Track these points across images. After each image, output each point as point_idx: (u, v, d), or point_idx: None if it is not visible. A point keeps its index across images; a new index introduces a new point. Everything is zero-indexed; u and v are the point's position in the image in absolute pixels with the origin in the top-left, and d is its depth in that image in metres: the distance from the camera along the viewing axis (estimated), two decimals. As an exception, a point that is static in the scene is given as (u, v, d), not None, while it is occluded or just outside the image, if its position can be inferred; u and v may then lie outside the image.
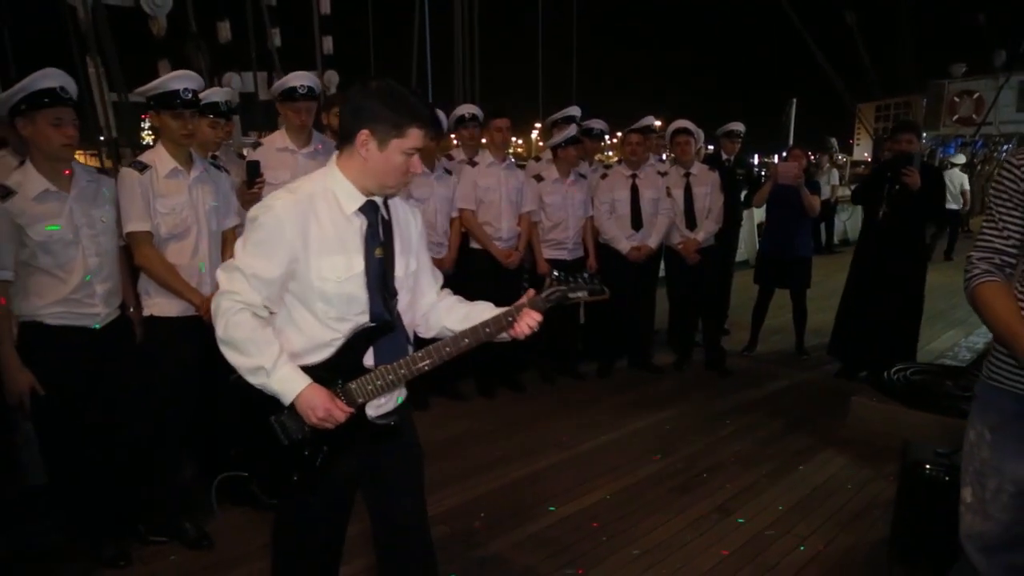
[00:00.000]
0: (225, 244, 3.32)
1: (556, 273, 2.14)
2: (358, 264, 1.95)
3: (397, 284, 2.06)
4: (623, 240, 5.63)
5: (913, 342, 5.48)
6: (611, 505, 3.68)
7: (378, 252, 1.99)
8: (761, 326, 6.51)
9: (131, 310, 3.22)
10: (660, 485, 3.90)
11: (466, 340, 2.04)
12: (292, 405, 1.90)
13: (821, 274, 6.69)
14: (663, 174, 5.91)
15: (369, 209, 1.98)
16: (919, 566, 2.98)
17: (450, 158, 5.48)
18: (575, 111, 5.79)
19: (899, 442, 4.11)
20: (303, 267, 1.90)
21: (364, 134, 1.89)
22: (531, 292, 2.12)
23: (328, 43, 6.45)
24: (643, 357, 6.07)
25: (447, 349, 2.02)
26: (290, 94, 3.99)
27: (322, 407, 1.88)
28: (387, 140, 1.89)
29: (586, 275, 2.16)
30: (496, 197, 5.19)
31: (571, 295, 2.13)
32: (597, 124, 6.11)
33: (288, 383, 1.87)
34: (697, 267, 5.80)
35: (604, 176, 5.78)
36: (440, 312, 2.18)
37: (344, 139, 1.95)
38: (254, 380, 1.87)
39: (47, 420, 2.99)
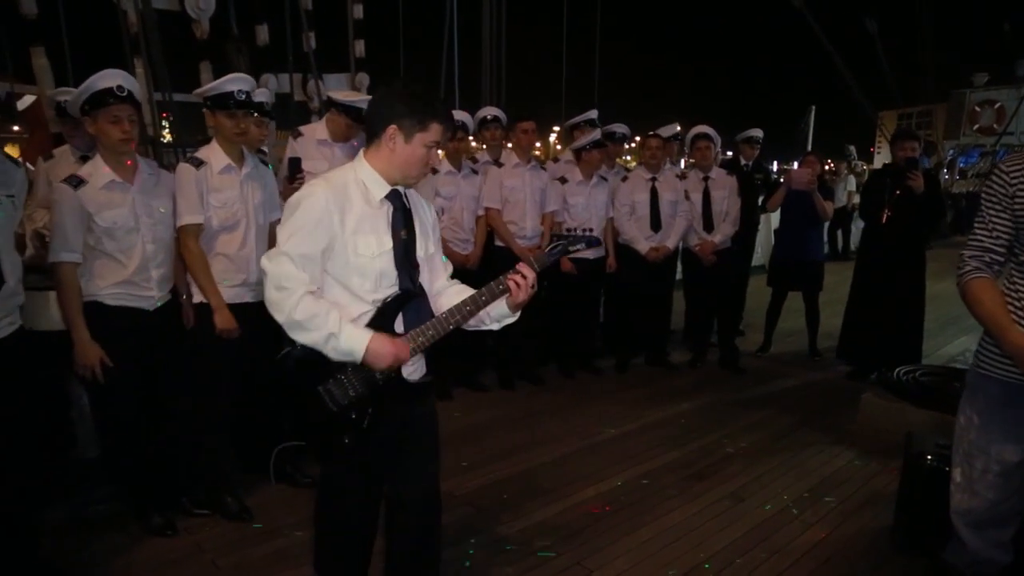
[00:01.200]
0: (270, 236, 3.54)
1: (556, 233, 2.40)
2: (387, 242, 2.21)
3: (419, 261, 2.31)
4: (642, 241, 5.81)
5: (918, 343, 5.61)
6: (626, 491, 3.87)
7: (403, 233, 2.25)
8: (775, 328, 6.66)
9: (183, 297, 3.45)
10: (674, 473, 4.09)
11: (471, 306, 2.25)
12: (339, 372, 2.15)
13: (835, 280, 6.83)
14: (682, 177, 6.10)
15: (394, 197, 2.25)
16: (920, 552, 3.13)
17: (475, 160, 5.69)
18: (593, 115, 6.01)
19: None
20: (340, 245, 2.14)
21: (392, 129, 2.16)
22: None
23: (360, 47, 6.68)
24: (659, 354, 6.25)
25: (467, 308, 2.23)
26: (331, 105, 4.32)
27: (390, 352, 2.12)
28: (412, 134, 2.16)
29: (584, 232, 2.39)
30: (521, 197, 5.39)
31: (571, 247, 2.36)
32: (619, 128, 6.31)
33: (356, 340, 2.10)
34: (714, 268, 5.97)
35: (625, 179, 5.97)
36: (450, 295, 2.40)
37: (372, 134, 2.21)
38: (327, 347, 2.09)
39: (103, 394, 3.22)
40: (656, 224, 5.86)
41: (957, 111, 16.03)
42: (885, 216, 5.43)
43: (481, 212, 5.35)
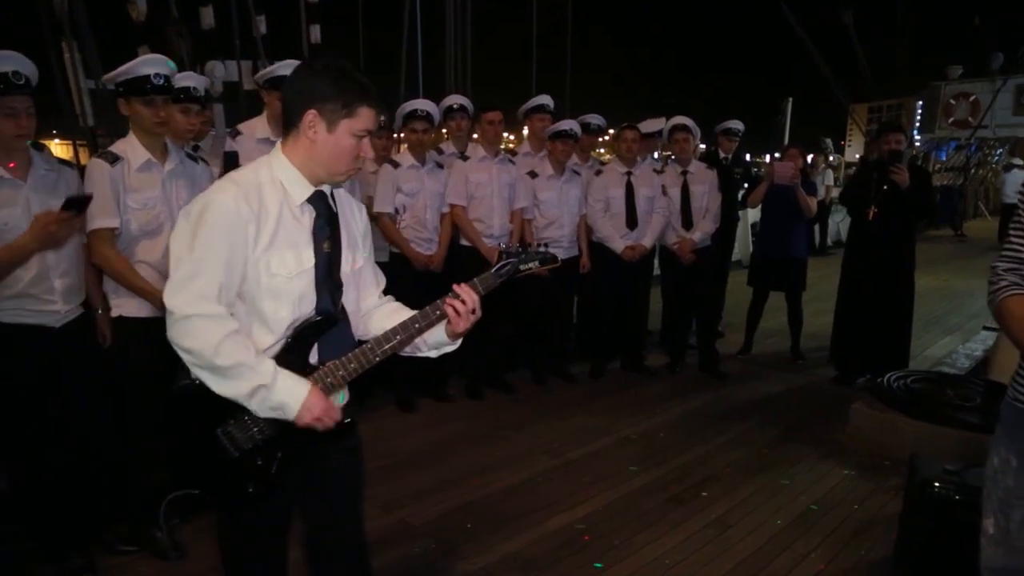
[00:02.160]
0: None
1: (503, 246, 2.03)
2: (308, 259, 1.82)
3: (343, 279, 1.93)
4: (617, 239, 5.48)
5: (906, 345, 5.39)
6: (603, 517, 3.53)
7: (326, 246, 1.86)
8: (756, 328, 6.40)
9: (99, 312, 3.05)
10: (653, 496, 3.76)
11: (402, 335, 1.89)
12: (241, 411, 1.77)
13: (815, 276, 6.58)
14: (659, 172, 5.78)
15: (318, 200, 1.85)
16: (925, 588, 2.85)
17: (440, 152, 5.32)
18: (542, 100, 5.58)
19: (900, 453, 4.02)
20: (251, 264, 1.75)
21: (311, 115, 1.75)
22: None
23: (316, 32, 6.24)
24: (636, 359, 5.94)
25: (398, 337, 1.88)
26: (277, 84, 3.82)
27: (320, 410, 1.77)
28: (336, 121, 1.76)
29: (537, 246, 2.06)
30: (488, 193, 5.04)
31: (522, 266, 2.01)
32: (594, 119, 5.96)
33: (292, 393, 1.74)
34: (692, 268, 5.67)
35: (598, 173, 5.64)
36: (381, 315, 2.04)
37: (289, 123, 1.80)
38: (251, 401, 1.72)
39: (4, 422, 2.82)
40: (632, 221, 5.53)
41: (932, 104, 15.93)
42: (872, 213, 5.17)
43: (446, 209, 4.98)
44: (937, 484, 2.87)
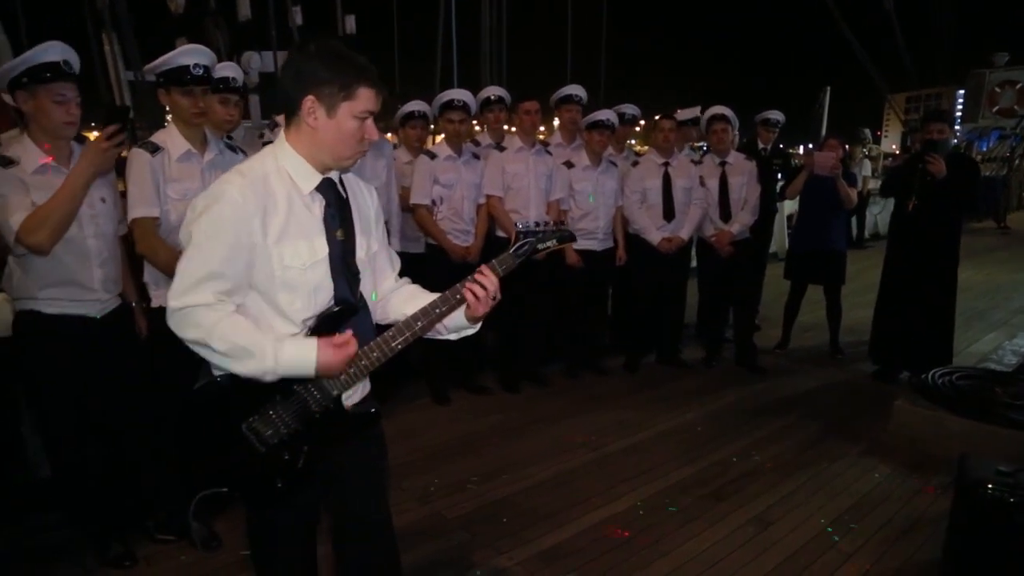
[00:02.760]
0: None
1: (520, 226, 2.00)
2: (322, 248, 1.79)
3: (359, 266, 1.90)
4: (654, 231, 5.40)
5: (949, 341, 5.25)
6: (639, 514, 3.48)
7: (339, 234, 1.83)
8: (794, 322, 6.28)
9: (133, 303, 3.07)
10: (692, 492, 3.70)
11: (423, 321, 1.86)
12: (266, 406, 1.77)
13: (853, 269, 6.41)
14: (697, 163, 5.68)
15: (327, 187, 1.82)
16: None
17: (476, 143, 5.29)
18: (573, 90, 5.46)
19: (946, 452, 3.91)
20: (263, 257, 1.73)
21: (310, 100, 1.71)
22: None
23: (351, 22, 6.24)
24: (671, 352, 5.86)
25: (419, 323, 1.85)
26: None
27: (340, 359, 1.73)
28: (335, 105, 1.72)
29: (553, 225, 2.02)
30: (525, 184, 4.99)
31: (540, 245, 1.98)
32: (629, 109, 5.87)
33: (299, 361, 1.70)
34: (730, 260, 5.57)
35: (635, 164, 5.56)
36: (400, 299, 2.02)
37: (289, 111, 1.77)
38: (268, 379, 1.71)
39: (44, 413, 2.88)
40: (669, 213, 5.45)
41: (975, 92, 15.49)
42: (911, 204, 5.03)
43: (482, 200, 4.95)
44: (991, 485, 2.77)
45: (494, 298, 1.88)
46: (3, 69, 2.61)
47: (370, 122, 1.77)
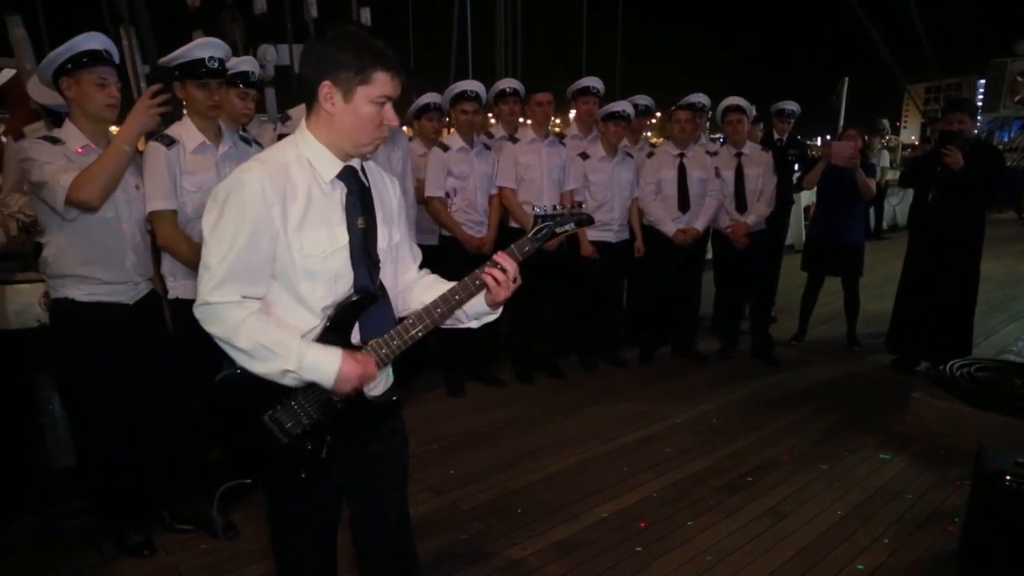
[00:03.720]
0: None
1: (538, 210, 1.98)
2: (342, 236, 1.78)
3: (380, 255, 1.89)
4: (669, 222, 5.38)
5: (968, 332, 5.20)
6: (655, 504, 3.48)
7: (360, 222, 1.82)
8: (810, 314, 6.24)
9: (163, 295, 3.11)
10: (707, 483, 3.69)
11: (443, 308, 1.85)
12: (288, 397, 1.77)
13: (870, 260, 6.36)
14: (713, 153, 5.65)
15: (348, 175, 1.81)
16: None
17: (490, 135, 5.28)
18: (590, 81, 5.39)
19: (964, 443, 3.90)
20: (283, 245, 1.72)
21: (326, 86, 1.69)
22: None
23: (366, 15, 6.22)
24: (686, 344, 5.85)
25: (439, 310, 1.84)
26: None
27: (357, 375, 1.73)
28: (352, 89, 1.69)
29: (569, 208, 2.00)
30: (537, 175, 4.99)
31: (558, 229, 1.96)
32: (643, 100, 5.84)
33: (322, 370, 1.71)
34: (746, 252, 5.55)
35: (650, 155, 5.53)
36: (420, 288, 2.01)
37: (308, 99, 1.75)
38: (285, 381, 1.72)
39: (78, 401, 2.93)
40: (684, 204, 5.42)
41: (996, 82, 15.21)
42: (931, 196, 4.98)
43: (494, 191, 4.95)
44: (1009, 477, 2.76)
45: (514, 280, 1.87)
46: (48, 58, 2.70)
47: (388, 107, 1.75)
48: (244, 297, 1.70)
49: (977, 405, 4.10)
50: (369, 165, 1.92)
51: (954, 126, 4.91)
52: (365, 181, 1.87)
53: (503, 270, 1.85)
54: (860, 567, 2.97)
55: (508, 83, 5.21)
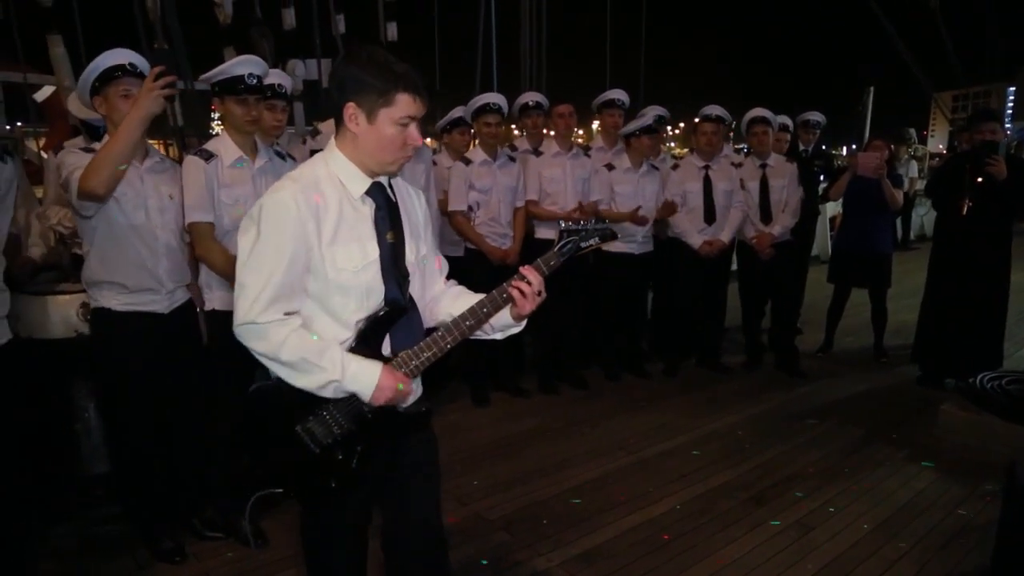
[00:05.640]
0: None
1: (563, 225, 2.02)
2: (373, 251, 1.84)
3: (408, 268, 1.94)
4: (695, 234, 5.39)
5: (998, 345, 5.13)
6: (680, 516, 3.49)
7: (389, 236, 1.88)
8: (836, 326, 6.20)
9: (198, 308, 3.20)
10: (732, 496, 3.69)
11: (471, 320, 1.90)
12: (320, 407, 1.83)
13: (898, 271, 6.30)
14: (737, 165, 5.66)
15: (376, 192, 1.87)
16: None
17: (513, 148, 5.33)
18: (615, 94, 5.44)
19: (995, 457, 3.85)
20: (317, 260, 1.78)
21: (351, 107, 1.76)
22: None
23: (392, 29, 6.34)
24: (711, 356, 5.84)
25: (467, 323, 1.89)
26: None
27: (392, 390, 1.80)
28: (375, 111, 1.76)
29: (594, 222, 2.04)
30: (560, 187, 5.03)
31: (583, 243, 2.01)
32: (656, 111, 5.86)
33: (362, 380, 1.77)
34: (771, 263, 5.53)
35: (675, 167, 5.55)
36: (447, 300, 2.05)
37: (337, 117, 1.82)
38: (324, 392, 1.78)
39: (118, 409, 3.03)
40: (710, 216, 5.43)
41: (1026, 90, 15.08)
42: (966, 207, 4.94)
43: (520, 204, 4.99)
44: (1040, 492, 2.73)
45: (539, 294, 1.91)
46: (82, 79, 2.82)
47: (412, 127, 1.80)
48: (287, 314, 1.76)
49: (1008, 418, 4.06)
50: (396, 180, 1.98)
51: (988, 135, 4.87)
52: (392, 197, 1.93)
53: (529, 283, 1.89)
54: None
55: (531, 96, 5.26)
